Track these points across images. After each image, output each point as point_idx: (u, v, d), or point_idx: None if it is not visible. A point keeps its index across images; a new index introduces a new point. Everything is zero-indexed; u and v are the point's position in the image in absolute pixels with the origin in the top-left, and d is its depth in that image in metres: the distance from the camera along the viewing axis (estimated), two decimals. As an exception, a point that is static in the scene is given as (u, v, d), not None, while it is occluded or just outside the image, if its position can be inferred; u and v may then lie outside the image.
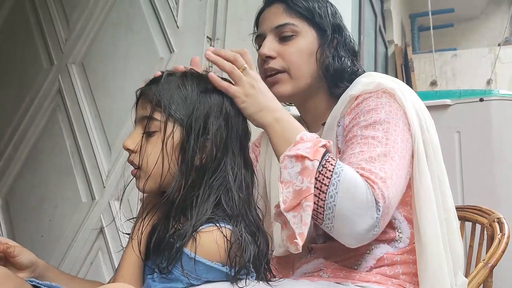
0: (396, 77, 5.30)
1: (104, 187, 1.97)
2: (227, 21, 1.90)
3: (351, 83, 1.03)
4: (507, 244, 1.00)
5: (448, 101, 1.73)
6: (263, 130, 1.01)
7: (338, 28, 1.09)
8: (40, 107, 2.24)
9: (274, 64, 1.05)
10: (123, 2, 2.11)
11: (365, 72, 1.09)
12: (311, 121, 1.12)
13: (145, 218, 0.87)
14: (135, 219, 0.91)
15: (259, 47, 1.09)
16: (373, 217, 0.82)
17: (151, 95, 0.87)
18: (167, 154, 0.85)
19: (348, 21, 2.40)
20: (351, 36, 1.12)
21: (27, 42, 2.36)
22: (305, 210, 0.81)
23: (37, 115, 2.24)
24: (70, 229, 2.01)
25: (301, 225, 0.81)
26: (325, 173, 0.83)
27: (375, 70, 4.26)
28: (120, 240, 1.87)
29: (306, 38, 1.06)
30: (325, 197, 0.82)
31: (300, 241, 0.80)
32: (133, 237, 0.86)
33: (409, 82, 5.16)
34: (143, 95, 0.89)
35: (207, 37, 1.88)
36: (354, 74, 1.06)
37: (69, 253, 1.98)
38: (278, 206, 0.85)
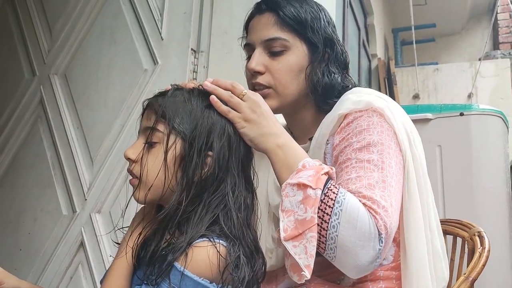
0: (379, 90, 5.38)
1: (86, 199, 1.94)
2: (211, 34, 1.90)
3: (339, 98, 1.02)
4: (487, 257, 1.00)
5: (429, 115, 1.75)
6: None
7: (330, 42, 1.05)
8: (21, 118, 2.21)
9: (261, 79, 1.03)
10: (107, 13, 2.10)
11: (356, 85, 1.08)
12: (298, 133, 1.11)
13: (142, 228, 0.87)
14: (127, 229, 0.91)
15: (247, 54, 1.08)
16: (376, 249, 0.81)
17: (156, 107, 0.88)
18: (167, 166, 0.85)
19: (332, 35, 2.43)
20: (343, 48, 1.09)
21: (9, 52, 2.33)
22: (309, 241, 0.80)
23: (18, 126, 2.21)
24: (49, 242, 1.97)
25: (307, 257, 0.79)
26: (327, 201, 0.82)
27: (359, 83, 4.29)
28: (101, 254, 1.84)
29: (297, 54, 1.03)
30: (327, 226, 0.81)
31: (308, 274, 0.79)
32: (128, 246, 0.85)
33: (392, 95, 5.22)
34: (149, 106, 0.90)
35: (192, 49, 1.88)
36: (344, 90, 1.04)
37: (49, 267, 1.94)
38: (279, 232, 0.84)
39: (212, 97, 0.90)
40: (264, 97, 1.03)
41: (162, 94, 0.91)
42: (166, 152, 0.85)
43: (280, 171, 0.89)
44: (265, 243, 1.06)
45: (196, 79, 1.86)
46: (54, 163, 2.07)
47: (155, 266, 0.80)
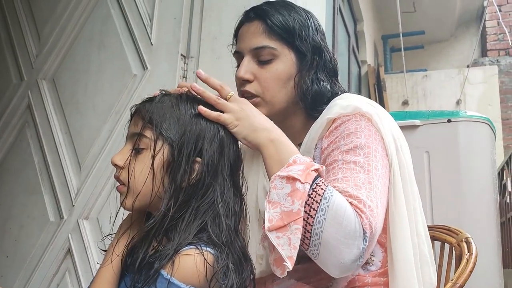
0: (369, 96, 5.41)
1: (73, 205, 1.92)
2: (201, 39, 1.90)
3: (328, 104, 1.03)
4: (474, 264, 1.01)
5: (417, 122, 1.76)
6: None
7: (319, 50, 1.05)
8: (8, 123, 2.18)
9: (250, 88, 1.03)
10: (96, 18, 2.09)
11: (345, 91, 1.09)
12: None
13: (129, 236, 0.86)
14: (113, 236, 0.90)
15: (237, 62, 1.08)
16: (360, 248, 0.81)
17: (143, 112, 0.87)
18: (154, 173, 0.84)
19: (322, 42, 2.44)
20: (331, 55, 1.09)
21: (-4, 56, 2.31)
22: (294, 232, 0.79)
23: (5, 131, 2.18)
24: (36, 249, 1.94)
25: (290, 248, 0.79)
26: (315, 197, 0.82)
27: (349, 89, 4.32)
28: (88, 260, 1.82)
29: (285, 62, 1.03)
30: (313, 221, 0.81)
31: (290, 265, 0.79)
32: (115, 254, 0.85)
33: (381, 101, 5.26)
34: (136, 112, 0.90)
35: (181, 54, 1.88)
36: (333, 97, 1.05)
37: (35, 274, 1.92)
38: (264, 227, 0.83)
39: (200, 107, 0.90)
40: (253, 105, 1.04)
41: (150, 99, 0.91)
42: (153, 158, 0.84)
43: (271, 165, 0.89)
44: (255, 249, 1.05)
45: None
46: (41, 169, 2.04)
47: (142, 273, 0.79)
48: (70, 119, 2.03)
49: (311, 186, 0.82)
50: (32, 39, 2.25)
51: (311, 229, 0.81)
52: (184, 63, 1.89)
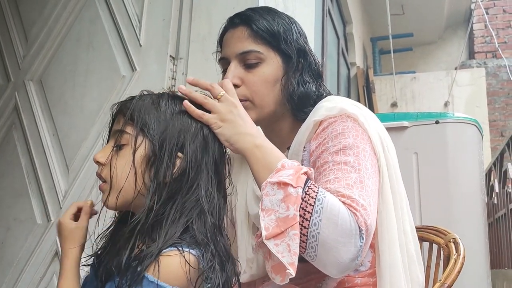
0: (358, 98, 5.42)
1: (61, 208, 1.90)
2: (190, 41, 1.90)
3: (314, 106, 1.03)
4: (462, 264, 1.01)
5: (405, 123, 1.77)
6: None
7: (303, 53, 1.07)
8: (-5, 124, 2.16)
9: (238, 92, 1.02)
10: (84, 19, 2.08)
11: (330, 93, 1.09)
12: (276, 143, 1.11)
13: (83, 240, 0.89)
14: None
15: (223, 68, 1.08)
16: (357, 246, 0.81)
17: (125, 110, 0.88)
18: (135, 168, 0.84)
19: (311, 44, 2.44)
20: (315, 58, 1.11)
21: (-18, 57, 2.28)
22: (292, 238, 0.79)
23: (-9, 133, 2.16)
24: (23, 252, 1.92)
25: (291, 255, 0.79)
26: (308, 200, 0.82)
27: (338, 91, 4.34)
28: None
29: (271, 65, 1.03)
30: (308, 224, 0.81)
31: (293, 272, 0.79)
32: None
33: (370, 103, 5.28)
34: (118, 110, 0.90)
35: (170, 56, 1.87)
36: (319, 98, 1.06)
37: (22, 277, 1.89)
38: (259, 235, 0.83)
39: (185, 102, 0.91)
40: None
41: (132, 98, 0.91)
42: (134, 153, 0.85)
43: (258, 171, 0.89)
44: (245, 253, 1.05)
45: (174, 86, 1.85)
46: (28, 171, 2.02)
47: (127, 276, 0.78)
48: (58, 121, 2.01)
49: (303, 190, 0.82)
50: (19, 39, 2.23)
51: (307, 232, 0.81)
52: (173, 64, 1.88)
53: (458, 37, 6.48)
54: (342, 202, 0.83)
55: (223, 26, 1.10)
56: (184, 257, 0.78)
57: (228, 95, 0.95)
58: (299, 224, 0.81)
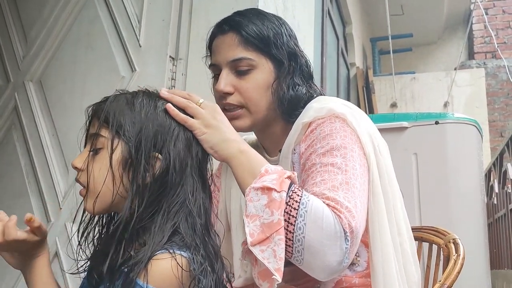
0: (358, 98, 5.41)
1: (61, 208, 1.90)
2: (190, 41, 1.90)
3: (304, 108, 1.03)
4: (462, 265, 1.01)
5: (405, 124, 1.77)
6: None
7: (294, 56, 1.06)
8: (-6, 125, 2.16)
9: (232, 100, 1.03)
10: (84, 19, 2.08)
11: (322, 94, 1.09)
12: (269, 146, 1.12)
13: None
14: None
15: (214, 74, 1.08)
16: (342, 248, 0.81)
17: (99, 112, 0.86)
18: (112, 172, 0.83)
19: (311, 44, 2.45)
20: (306, 59, 1.10)
21: (-18, 58, 2.28)
22: (277, 244, 0.79)
23: (-10, 133, 2.16)
24: (23, 252, 1.92)
25: (277, 260, 0.78)
26: (292, 204, 0.81)
27: (337, 92, 4.34)
28: (77, 264, 1.80)
29: (263, 71, 1.03)
30: (293, 229, 0.80)
31: (279, 277, 0.78)
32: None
33: (370, 103, 5.28)
34: (93, 113, 0.89)
35: (170, 56, 1.87)
36: (309, 99, 1.05)
37: (22, 278, 1.88)
38: (245, 243, 0.82)
39: (168, 105, 0.89)
40: (237, 117, 1.03)
41: (106, 99, 0.89)
42: (110, 157, 0.83)
43: (243, 177, 0.88)
44: (239, 257, 1.05)
45: (174, 86, 1.85)
46: (28, 171, 2.02)
47: (118, 283, 0.77)
48: (57, 121, 2.01)
49: (287, 194, 0.82)
50: (19, 40, 2.23)
51: (292, 237, 0.80)
52: (173, 65, 1.88)
53: (458, 38, 6.49)
54: (327, 204, 0.82)
55: (211, 31, 1.10)
56: (175, 259, 0.77)
57: (207, 102, 0.94)
58: (285, 228, 0.80)
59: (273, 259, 0.79)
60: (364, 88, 5.34)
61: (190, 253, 0.80)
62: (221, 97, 1.04)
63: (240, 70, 1.02)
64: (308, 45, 2.38)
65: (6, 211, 2.07)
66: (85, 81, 1.99)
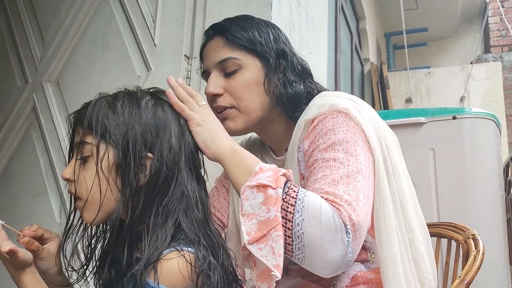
0: (372, 94, 5.37)
1: (79, 207, 1.93)
2: (204, 40, 1.91)
3: (308, 105, 1.02)
4: (482, 260, 1.00)
5: (422, 119, 1.76)
6: None
7: (283, 53, 1.06)
8: (14, 125, 2.20)
9: (222, 101, 1.03)
10: (99, 20, 2.10)
11: (323, 88, 1.08)
12: (274, 146, 1.12)
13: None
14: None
15: (206, 81, 1.08)
16: (344, 241, 0.79)
17: (82, 119, 0.85)
18: (104, 178, 0.81)
19: (324, 40, 2.44)
20: (299, 58, 1.10)
21: (1, 60, 2.32)
22: (275, 240, 0.78)
23: (10, 133, 2.19)
24: (43, 251, 1.95)
25: (275, 257, 0.77)
26: (289, 200, 0.80)
27: (352, 88, 4.32)
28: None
29: (251, 70, 1.03)
30: (292, 225, 0.79)
31: (278, 274, 0.77)
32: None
33: (385, 99, 5.25)
34: (75, 121, 0.87)
35: (185, 55, 1.88)
36: (310, 95, 1.04)
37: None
38: (244, 248, 0.81)
39: (169, 90, 0.91)
40: (227, 117, 1.03)
41: (87, 105, 0.88)
42: (99, 164, 0.81)
43: (238, 176, 0.88)
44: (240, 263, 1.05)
45: (189, 85, 1.86)
46: (47, 171, 2.05)
47: (128, 286, 0.77)
48: (75, 121, 2.04)
49: (283, 190, 0.81)
50: (36, 41, 2.27)
51: (291, 234, 0.79)
52: (188, 63, 1.89)
53: (473, 31, 6.40)
54: (325, 199, 0.81)
55: (202, 42, 1.11)
56: (184, 256, 0.77)
57: (208, 107, 0.96)
58: (283, 225, 0.79)
59: (271, 256, 0.77)
60: (379, 84, 5.30)
61: (194, 248, 0.80)
62: (211, 100, 1.05)
63: (228, 71, 1.03)
64: (322, 41, 2.37)
65: (25, 210, 2.11)
66: (101, 81, 2.02)
